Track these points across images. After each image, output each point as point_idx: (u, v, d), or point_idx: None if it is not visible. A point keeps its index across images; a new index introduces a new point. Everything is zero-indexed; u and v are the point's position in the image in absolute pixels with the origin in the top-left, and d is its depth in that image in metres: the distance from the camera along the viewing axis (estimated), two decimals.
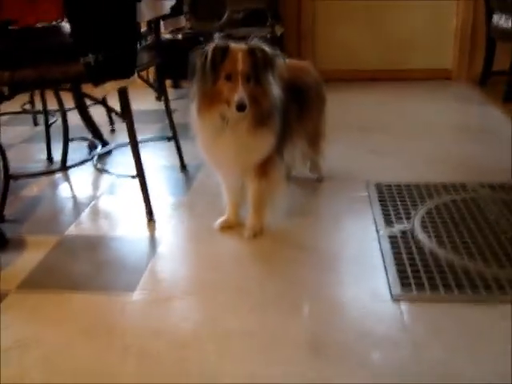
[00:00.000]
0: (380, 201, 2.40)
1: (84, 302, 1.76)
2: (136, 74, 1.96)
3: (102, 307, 1.73)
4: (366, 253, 2.00)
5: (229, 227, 2.14)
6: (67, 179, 2.76)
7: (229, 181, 2.12)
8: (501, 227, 2.13)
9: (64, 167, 2.63)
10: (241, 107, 1.79)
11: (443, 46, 4.45)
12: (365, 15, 4.44)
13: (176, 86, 4.40)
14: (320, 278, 1.84)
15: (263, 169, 2.02)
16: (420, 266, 1.89)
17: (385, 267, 1.89)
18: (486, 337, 1.55)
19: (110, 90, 1.95)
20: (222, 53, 1.82)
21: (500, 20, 3.81)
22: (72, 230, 2.22)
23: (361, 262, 1.93)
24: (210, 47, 1.81)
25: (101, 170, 2.53)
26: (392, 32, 4.47)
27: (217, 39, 1.88)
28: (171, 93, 4.20)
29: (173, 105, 2.79)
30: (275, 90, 1.92)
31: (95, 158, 2.64)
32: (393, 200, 2.41)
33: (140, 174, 2.22)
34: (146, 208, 2.26)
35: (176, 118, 2.77)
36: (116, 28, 1.89)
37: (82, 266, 1.97)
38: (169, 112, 2.65)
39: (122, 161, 2.86)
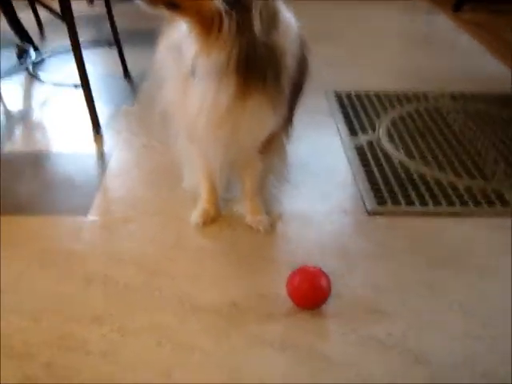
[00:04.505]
0: (342, 111, 2.29)
1: (36, 226, 1.58)
2: None
3: (55, 231, 1.56)
4: (335, 166, 1.89)
5: (212, 221, 1.59)
6: None
7: (210, 158, 1.49)
8: (466, 137, 2.07)
9: None
10: None
11: None
12: None
13: None
14: (291, 193, 1.72)
15: (267, 145, 1.48)
16: (391, 177, 1.81)
17: (355, 181, 1.80)
18: (464, 249, 1.51)
19: None
20: None
21: None
22: (10, 147, 1.99)
23: (330, 176, 1.83)
24: None
25: (37, 79, 2.25)
26: None
27: None
28: None
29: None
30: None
31: (30, 65, 2.34)
32: (354, 109, 2.30)
33: (84, 83, 1.98)
34: (92, 120, 2.04)
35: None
36: None
37: (28, 187, 1.75)
38: (110, 14, 2.37)
39: (58, 69, 2.58)
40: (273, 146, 1.51)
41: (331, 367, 1.15)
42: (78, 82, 2.02)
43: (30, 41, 2.70)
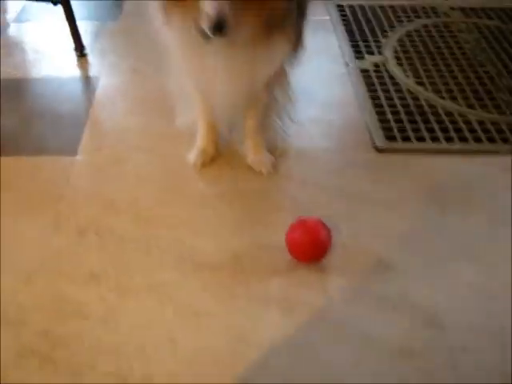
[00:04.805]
0: (345, 26, 2.12)
1: (19, 169, 1.45)
2: None
3: (41, 174, 1.44)
4: (339, 94, 1.76)
5: (211, 161, 1.48)
6: None
7: (213, 97, 1.38)
8: (478, 59, 1.93)
9: None
10: (218, 27, 1.07)
11: None
12: None
13: None
14: (293, 129, 1.60)
15: (272, 80, 1.36)
16: (400, 109, 1.69)
17: (362, 112, 1.68)
18: (477, 192, 1.43)
19: None
20: None
21: None
22: None
23: (335, 107, 1.71)
24: None
25: None
26: None
27: None
28: None
29: None
30: None
31: None
32: (359, 25, 2.13)
33: None
34: (75, 40, 1.87)
35: None
36: None
37: (8, 121, 1.61)
38: None
39: None
40: (279, 76, 1.39)
41: (336, 329, 1.10)
42: None
43: None
